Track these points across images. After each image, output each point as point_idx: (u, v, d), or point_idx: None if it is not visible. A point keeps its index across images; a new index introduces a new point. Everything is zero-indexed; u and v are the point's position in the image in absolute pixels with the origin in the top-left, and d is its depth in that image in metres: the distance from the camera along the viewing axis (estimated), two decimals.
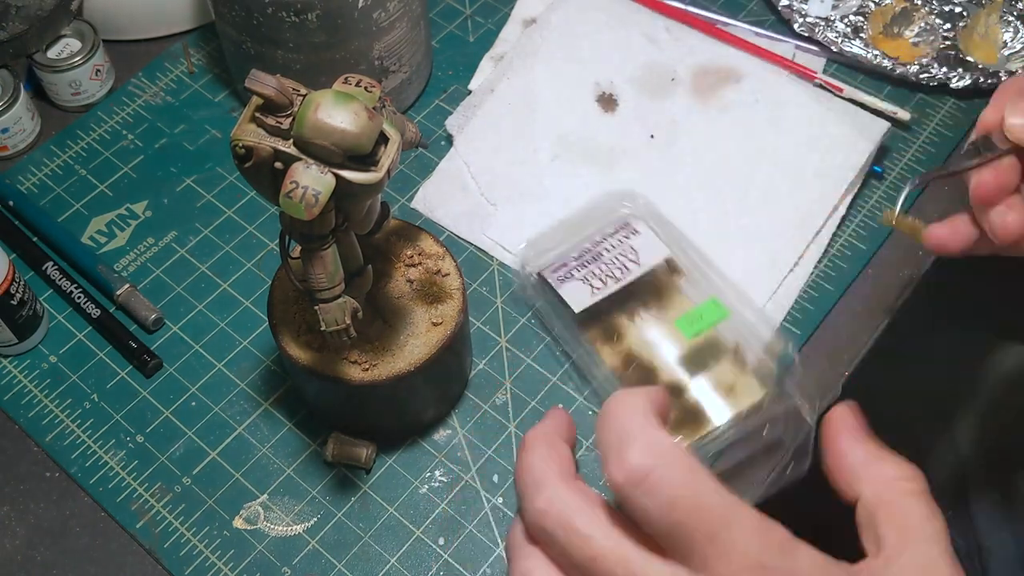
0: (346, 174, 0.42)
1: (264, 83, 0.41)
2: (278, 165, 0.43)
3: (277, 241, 0.57)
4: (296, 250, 0.49)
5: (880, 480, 0.38)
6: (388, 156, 0.42)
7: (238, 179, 0.68)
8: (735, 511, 0.35)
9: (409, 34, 0.66)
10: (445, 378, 0.57)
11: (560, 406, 0.53)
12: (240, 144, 0.43)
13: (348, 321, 0.47)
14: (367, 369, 0.51)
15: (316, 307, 0.46)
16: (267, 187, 0.44)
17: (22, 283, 0.59)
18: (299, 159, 0.42)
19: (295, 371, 0.53)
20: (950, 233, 0.53)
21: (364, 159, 0.42)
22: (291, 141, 0.42)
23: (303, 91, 0.43)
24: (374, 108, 0.42)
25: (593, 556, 0.36)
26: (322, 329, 0.47)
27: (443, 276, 0.55)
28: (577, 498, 0.37)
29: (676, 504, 0.34)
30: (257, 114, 0.43)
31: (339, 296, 0.46)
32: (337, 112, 0.41)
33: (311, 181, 0.41)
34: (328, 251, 0.45)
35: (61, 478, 0.57)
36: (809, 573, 0.34)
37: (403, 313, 0.53)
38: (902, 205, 0.51)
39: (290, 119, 0.42)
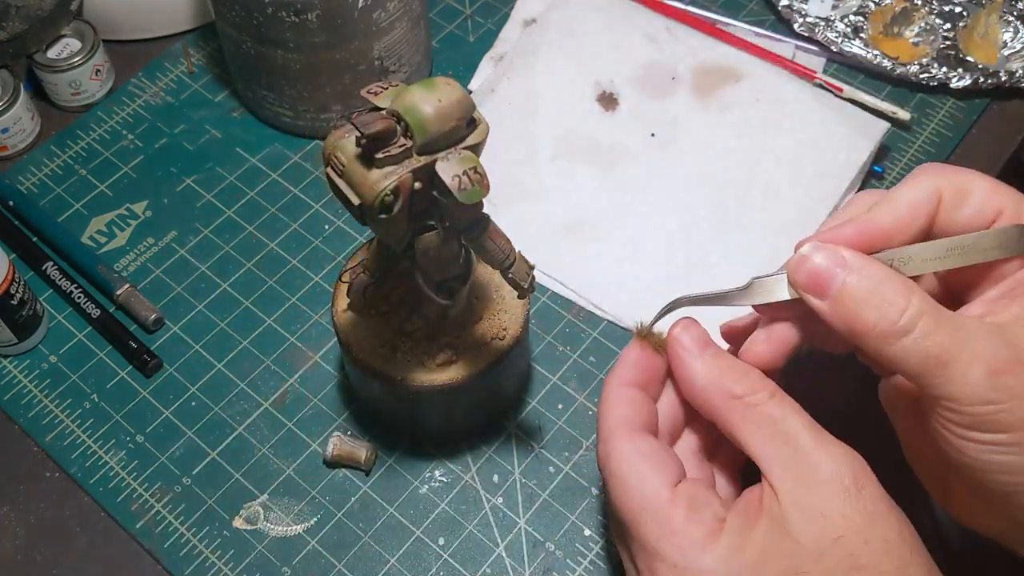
0: (471, 141, 0.42)
1: (372, 121, 0.40)
2: (417, 186, 0.42)
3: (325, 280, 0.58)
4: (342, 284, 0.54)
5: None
6: (475, 109, 0.43)
7: (238, 179, 0.68)
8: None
9: (409, 34, 0.66)
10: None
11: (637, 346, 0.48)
12: (386, 193, 0.41)
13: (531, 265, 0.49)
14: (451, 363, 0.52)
15: (510, 272, 0.47)
16: (402, 224, 0.43)
17: (22, 283, 0.59)
18: (435, 160, 0.41)
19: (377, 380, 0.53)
20: (771, 352, 0.47)
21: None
22: (416, 155, 0.41)
23: (381, 109, 0.42)
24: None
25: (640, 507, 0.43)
26: (523, 287, 0.48)
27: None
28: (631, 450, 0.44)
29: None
30: (372, 158, 0.41)
31: (513, 249, 0.47)
32: (439, 92, 0.41)
33: (464, 163, 0.41)
34: (492, 222, 0.46)
35: (61, 478, 0.57)
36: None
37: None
38: (652, 321, 0.47)
39: (403, 136, 0.41)
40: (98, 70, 0.71)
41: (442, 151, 0.42)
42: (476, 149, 0.43)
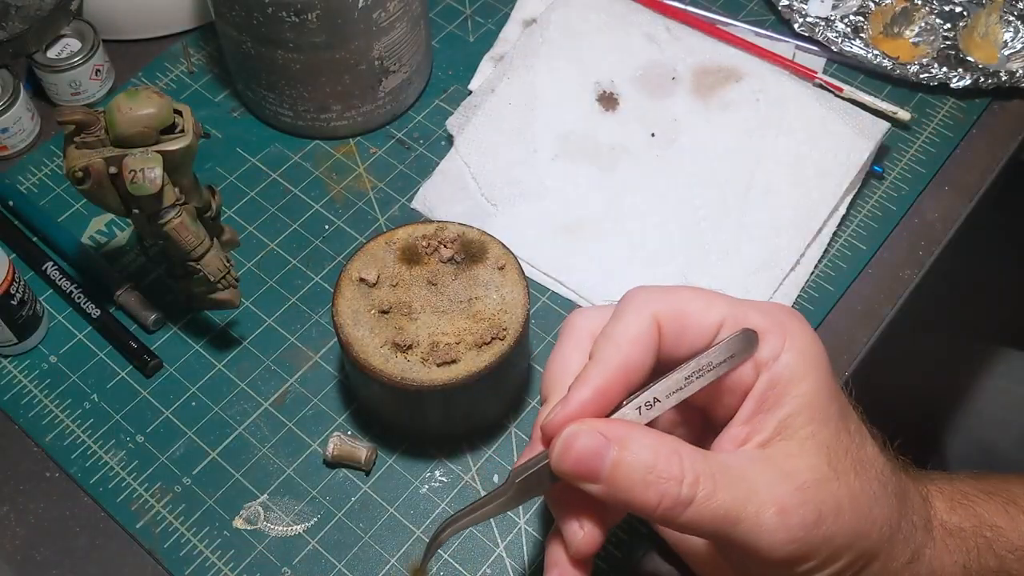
0: (164, 147, 0.51)
1: (71, 112, 0.51)
2: (112, 170, 0.51)
3: (164, 266, 0.63)
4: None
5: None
6: (188, 121, 0.52)
7: (238, 179, 0.68)
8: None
9: (409, 34, 0.66)
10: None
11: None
12: (75, 169, 0.51)
13: (228, 263, 0.56)
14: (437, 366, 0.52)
15: (199, 264, 0.55)
16: (112, 199, 0.53)
17: (22, 283, 0.59)
18: (126, 154, 0.51)
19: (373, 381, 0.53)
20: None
21: (171, 131, 0.52)
22: (112, 146, 0.51)
23: (99, 108, 0.52)
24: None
25: None
26: (212, 280, 0.56)
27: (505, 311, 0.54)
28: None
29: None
30: (75, 140, 0.51)
31: (210, 248, 0.55)
32: (136, 102, 0.51)
33: (144, 163, 0.51)
34: (182, 217, 0.53)
35: (61, 478, 0.57)
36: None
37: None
38: (425, 559, 0.44)
39: (102, 129, 0.51)
40: (98, 70, 0.71)
41: (138, 147, 0.51)
42: (174, 155, 0.51)
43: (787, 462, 0.42)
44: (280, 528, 0.55)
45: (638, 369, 0.42)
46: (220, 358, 0.61)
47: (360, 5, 0.61)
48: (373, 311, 0.53)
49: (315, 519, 0.55)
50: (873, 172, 0.67)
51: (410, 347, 0.52)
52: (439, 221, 0.56)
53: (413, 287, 0.54)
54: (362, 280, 0.54)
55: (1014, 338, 0.90)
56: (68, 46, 0.70)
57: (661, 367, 0.43)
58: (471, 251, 0.55)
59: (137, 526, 0.55)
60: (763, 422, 0.42)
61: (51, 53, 0.70)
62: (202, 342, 0.61)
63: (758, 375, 0.42)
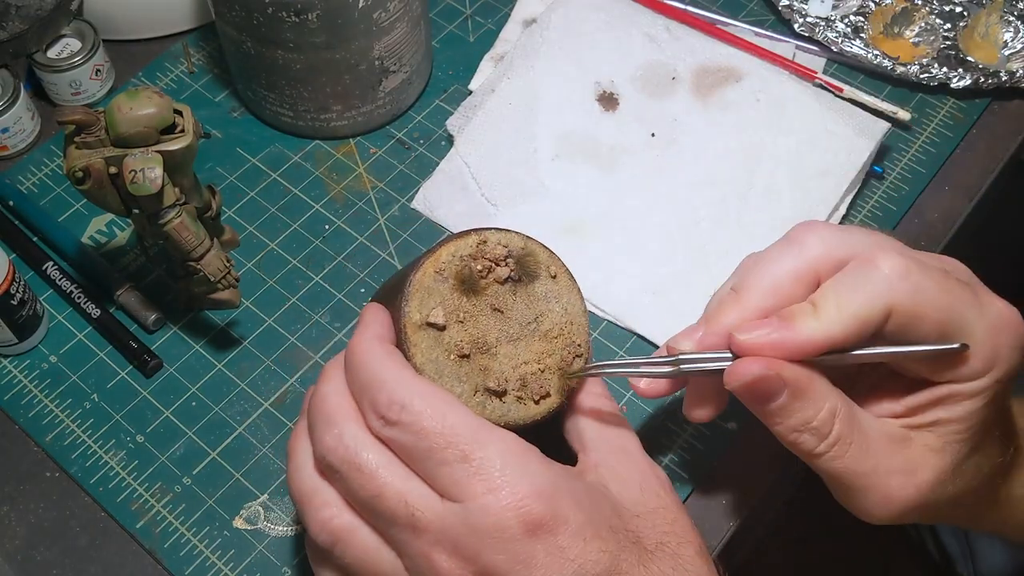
0: (165, 146, 0.51)
1: (71, 111, 0.51)
2: (112, 170, 0.51)
3: (165, 266, 0.60)
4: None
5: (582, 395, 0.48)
6: (188, 121, 0.52)
7: (238, 179, 0.68)
8: (486, 432, 0.41)
9: (409, 34, 0.66)
10: None
11: (375, 307, 0.47)
12: (76, 169, 0.51)
13: (229, 263, 0.56)
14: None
15: (199, 264, 0.54)
16: (112, 199, 0.53)
17: (22, 283, 0.59)
18: (126, 154, 0.51)
19: None
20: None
21: (171, 130, 0.52)
22: (112, 146, 0.51)
23: (99, 108, 0.52)
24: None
25: (376, 493, 0.41)
26: (212, 280, 0.55)
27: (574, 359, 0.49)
28: (365, 435, 0.42)
29: (426, 431, 0.40)
30: (76, 140, 0.51)
31: (210, 248, 0.55)
32: (136, 102, 0.50)
33: (145, 163, 0.51)
34: (182, 217, 0.53)
35: (61, 478, 0.57)
36: (555, 482, 0.41)
37: (511, 370, 0.48)
38: (580, 371, 0.48)
39: (102, 129, 0.51)
40: (98, 70, 0.71)
41: (138, 147, 0.51)
42: (174, 155, 0.51)
43: (920, 455, 0.45)
44: (280, 528, 0.55)
45: (844, 343, 0.43)
46: (220, 358, 0.61)
47: (360, 5, 0.61)
48: (452, 356, 0.46)
49: None
50: (873, 172, 0.67)
51: (504, 392, 0.47)
52: (475, 231, 0.49)
53: (480, 319, 0.47)
54: (430, 325, 0.46)
55: None
56: (68, 46, 0.70)
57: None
58: (526, 266, 0.49)
59: (137, 526, 0.55)
60: (926, 415, 0.45)
61: (51, 53, 0.70)
62: (202, 342, 0.61)
63: (949, 379, 0.44)
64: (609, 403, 0.48)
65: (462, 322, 0.47)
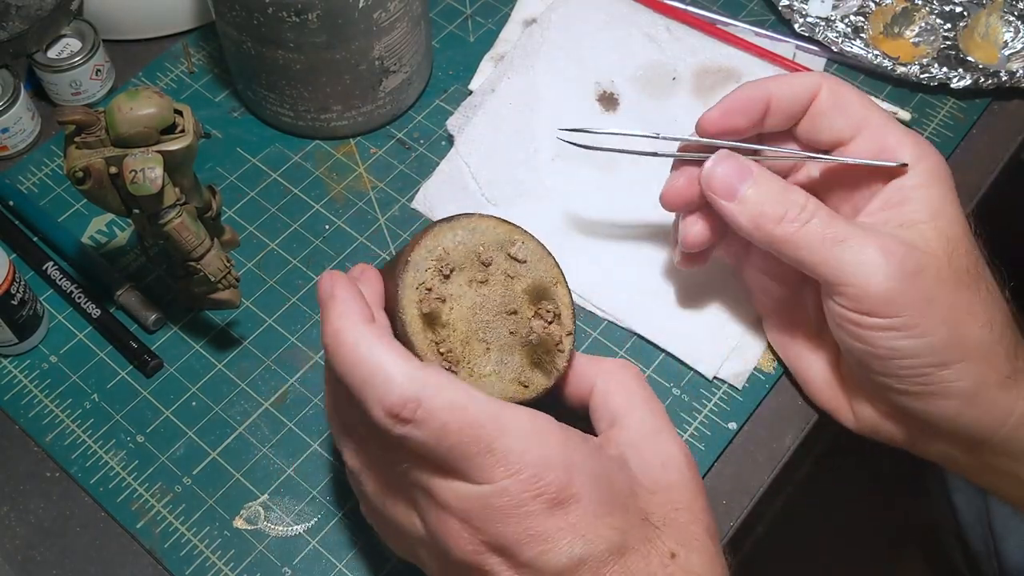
0: (165, 146, 0.51)
1: (71, 111, 0.51)
2: (112, 170, 0.51)
3: (165, 266, 0.60)
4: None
5: (605, 370, 0.48)
6: (188, 121, 0.52)
7: (239, 179, 0.68)
8: (507, 419, 0.40)
9: (409, 34, 0.66)
10: None
11: (340, 277, 0.45)
12: (76, 169, 0.51)
13: (229, 263, 0.56)
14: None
15: (199, 264, 0.54)
16: (112, 199, 0.53)
17: (22, 283, 0.59)
18: (127, 154, 0.51)
19: None
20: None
21: (171, 131, 0.52)
22: (112, 146, 0.51)
23: (99, 108, 0.52)
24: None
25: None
26: (213, 280, 0.55)
27: (557, 351, 0.49)
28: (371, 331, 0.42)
29: (447, 429, 0.39)
30: (76, 140, 0.51)
31: (210, 248, 0.55)
32: (136, 102, 0.50)
33: (145, 163, 0.51)
34: (183, 217, 0.53)
35: (61, 478, 0.57)
36: (582, 459, 0.41)
37: (502, 350, 0.48)
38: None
39: (102, 129, 0.51)
40: (98, 70, 0.71)
41: (138, 147, 0.51)
42: (174, 155, 0.51)
43: (900, 231, 0.49)
44: (280, 528, 0.55)
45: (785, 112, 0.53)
46: (220, 358, 0.61)
47: (360, 5, 0.61)
48: (455, 338, 0.47)
49: (315, 519, 0.55)
50: None
51: (506, 365, 0.47)
52: (430, 233, 0.48)
53: (464, 300, 0.48)
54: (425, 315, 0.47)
55: None
56: (68, 46, 0.70)
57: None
58: (537, 289, 0.50)
59: (137, 526, 0.55)
60: (887, 217, 0.50)
61: (51, 53, 0.70)
62: (202, 342, 0.61)
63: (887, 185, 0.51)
64: (637, 379, 0.48)
65: (447, 303, 0.47)
